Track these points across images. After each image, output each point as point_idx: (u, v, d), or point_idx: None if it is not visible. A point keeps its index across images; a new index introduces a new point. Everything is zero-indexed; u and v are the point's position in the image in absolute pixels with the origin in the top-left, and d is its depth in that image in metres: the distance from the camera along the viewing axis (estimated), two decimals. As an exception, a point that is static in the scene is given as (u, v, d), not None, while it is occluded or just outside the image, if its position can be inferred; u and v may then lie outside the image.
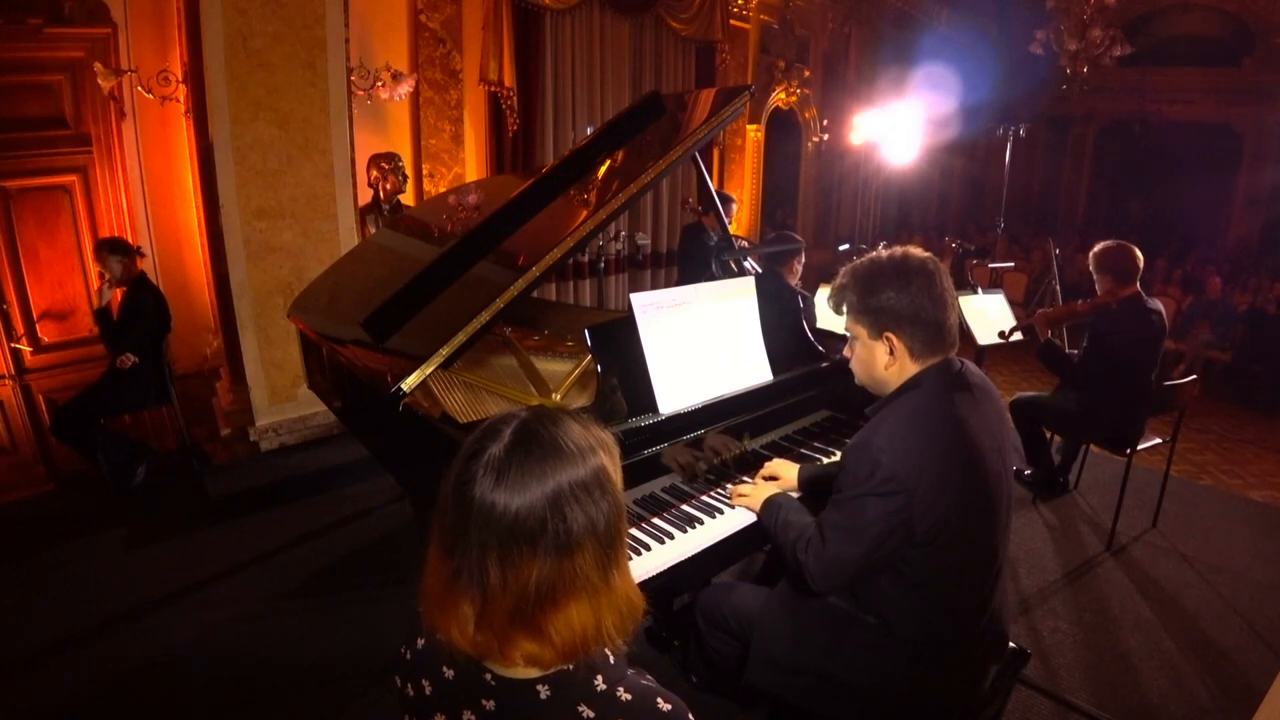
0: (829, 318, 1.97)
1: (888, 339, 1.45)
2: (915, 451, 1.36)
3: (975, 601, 1.46)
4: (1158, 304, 3.31)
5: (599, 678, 0.84)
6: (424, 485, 1.97)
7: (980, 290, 4.02)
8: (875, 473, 1.35)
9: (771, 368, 2.15)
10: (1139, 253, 3.24)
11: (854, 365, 1.56)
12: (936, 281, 1.42)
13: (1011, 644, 1.67)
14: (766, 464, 1.99)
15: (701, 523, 1.80)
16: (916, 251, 1.47)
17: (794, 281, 3.69)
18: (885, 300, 1.42)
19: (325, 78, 3.92)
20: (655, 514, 1.82)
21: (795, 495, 1.90)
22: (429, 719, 0.89)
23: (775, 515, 1.63)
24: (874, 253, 1.51)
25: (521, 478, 0.79)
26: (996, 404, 1.51)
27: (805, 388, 2.21)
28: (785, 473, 1.92)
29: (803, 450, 2.20)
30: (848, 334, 1.56)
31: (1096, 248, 3.32)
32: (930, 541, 1.36)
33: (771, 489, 1.79)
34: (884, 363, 1.47)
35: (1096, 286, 3.37)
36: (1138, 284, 3.25)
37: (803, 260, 3.69)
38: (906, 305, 1.41)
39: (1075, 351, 3.53)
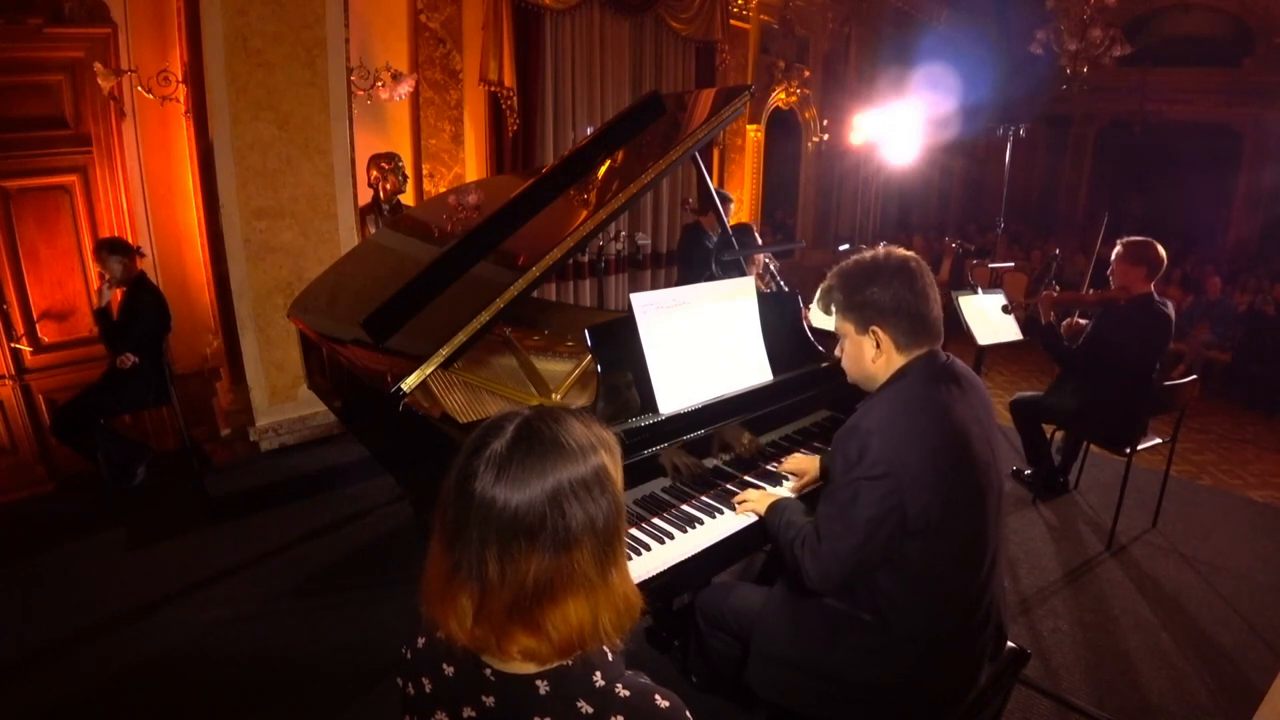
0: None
1: (873, 332, 1.51)
2: (903, 435, 1.40)
3: (971, 593, 1.47)
4: (1169, 305, 3.29)
5: (597, 674, 0.84)
6: (424, 485, 1.97)
7: (980, 290, 4.02)
8: (864, 456, 1.39)
9: (771, 368, 2.15)
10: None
11: (845, 362, 1.61)
12: (918, 277, 1.49)
13: (1011, 644, 1.67)
14: (786, 459, 2.04)
15: (702, 523, 1.81)
16: (899, 250, 1.55)
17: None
18: (869, 295, 1.50)
19: (325, 78, 3.93)
20: (655, 514, 1.83)
21: (819, 487, 1.92)
22: (430, 717, 0.90)
23: (780, 518, 1.66)
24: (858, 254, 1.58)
25: (522, 474, 0.80)
26: (983, 396, 1.56)
27: (805, 388, 2.21)
28: (808, 466, 1.97)
29: (803, 450, 2.20)
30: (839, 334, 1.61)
31: (1127, 239, 3.30)
32: (922, 528, 1.38)
33: (778, 493, 1.81)
34: (871, 355, 1.53)
35: (1114, 279, 3.35)
36: (1152, 284, 3.25)
37: (760, 256, 3.73)
38: (889, 299, 1.48)
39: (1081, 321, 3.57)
